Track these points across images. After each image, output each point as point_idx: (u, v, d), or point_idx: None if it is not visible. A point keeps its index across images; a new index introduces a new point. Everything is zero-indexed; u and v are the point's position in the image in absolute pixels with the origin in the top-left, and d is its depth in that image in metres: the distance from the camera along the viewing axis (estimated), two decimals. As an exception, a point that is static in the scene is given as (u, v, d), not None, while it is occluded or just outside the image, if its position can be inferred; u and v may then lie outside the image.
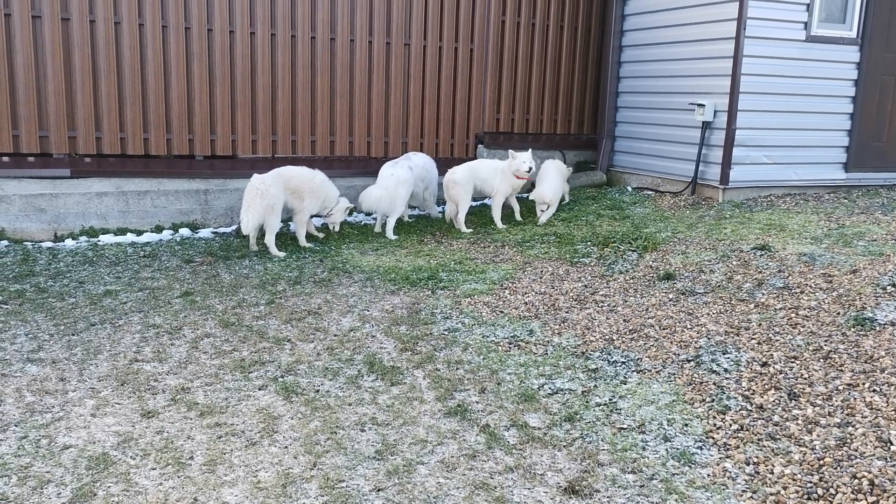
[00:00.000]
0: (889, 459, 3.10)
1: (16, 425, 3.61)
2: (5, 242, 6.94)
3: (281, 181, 6.80)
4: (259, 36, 7.97)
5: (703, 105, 8.05)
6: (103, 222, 7.49)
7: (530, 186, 8.30)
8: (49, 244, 7.02)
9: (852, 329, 4.35)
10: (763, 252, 5.87)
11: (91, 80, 7.33)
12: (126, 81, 7.48)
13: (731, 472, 3.17)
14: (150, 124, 7.64)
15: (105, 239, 7.25)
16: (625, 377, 4.11)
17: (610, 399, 3.87)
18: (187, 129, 7.82)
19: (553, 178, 8.01)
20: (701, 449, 3.36)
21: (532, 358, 4.43)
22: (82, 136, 7.37)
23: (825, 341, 4.25)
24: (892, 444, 3.20)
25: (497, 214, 7.87)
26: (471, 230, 7.71)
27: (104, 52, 7.34)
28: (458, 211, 7.74)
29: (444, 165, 8.19)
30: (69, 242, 7.10)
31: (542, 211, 7.85)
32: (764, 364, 4.08)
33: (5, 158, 7.13)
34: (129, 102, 7.51)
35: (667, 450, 3.37)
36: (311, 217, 7.30)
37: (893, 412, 3.44)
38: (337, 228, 7.55)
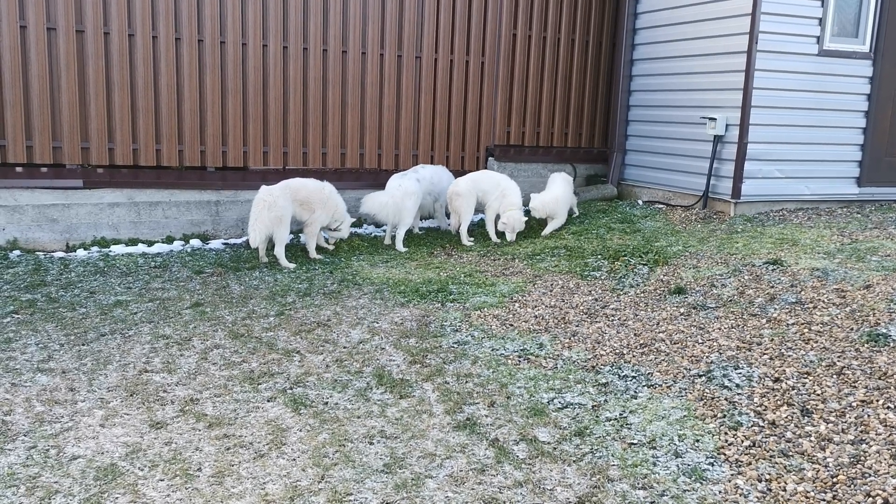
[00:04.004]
0: (904, 478, 3.06)
1: (25, 435, 3.62)
2: (17, 252, 6.98)
3: (289, 193, 6.79)
4: (271, 49, 8.01)
5: (715, 119, 8.03)
6: (115, 233, 7.53)
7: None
8: (61, 254, 7.06)
9: (866, 345, 4.30)
10: (775, 267, 5.83)
11: (104, 91, 7.39)
12: (139, 93, 7.53)
13: (743, 490, 3.13)
14: (162, 136, 7.69)
15: (116, 249, 7.28)
16: (635, 392, 4.07)
17: (620, 414, 3.83)
18: (199, 141, 7.86)
19: (559, 188, 7.98)
20: (712, 465, 3.33)
21: (542, 372, 4.40)
22: (95, 148, 7.42)
23: (838, 357, 4.21)
24: (907, 462, 3.16)
25: (490, 229, 7.86)
26: (472, 240, 7.72)
27: (118, 65, 7.40)
28: (460, 223, 7.73)
29: (455, 178, 8.18)
30: (80, 253, 7.13)
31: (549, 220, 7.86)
32: (776, 380, 4.04)
33: (19, 169, 7.18)
34: (141, 114, 7.56)
35: (678, 466, 3.33)
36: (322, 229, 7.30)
37: (908, 430, 3.40)
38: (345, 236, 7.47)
